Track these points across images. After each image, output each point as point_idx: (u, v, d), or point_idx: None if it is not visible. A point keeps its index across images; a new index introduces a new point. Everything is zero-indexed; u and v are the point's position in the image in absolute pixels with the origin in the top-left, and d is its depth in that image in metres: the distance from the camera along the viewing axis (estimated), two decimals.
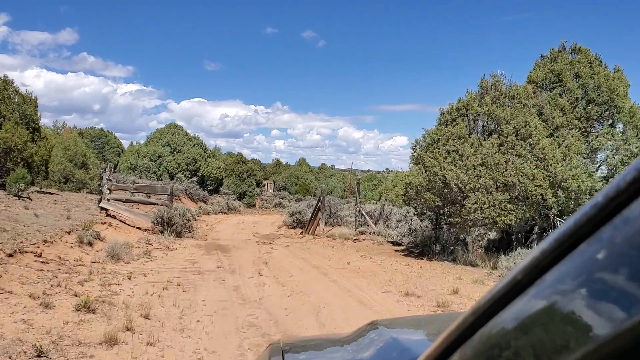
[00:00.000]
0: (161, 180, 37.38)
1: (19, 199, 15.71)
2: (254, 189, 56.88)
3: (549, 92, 14.44)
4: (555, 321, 0.48)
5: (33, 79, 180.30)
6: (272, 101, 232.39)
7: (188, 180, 38.28)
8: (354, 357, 1.67)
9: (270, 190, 77.75)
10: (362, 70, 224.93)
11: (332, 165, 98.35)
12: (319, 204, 18.96)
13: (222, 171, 43.68)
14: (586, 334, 0.44)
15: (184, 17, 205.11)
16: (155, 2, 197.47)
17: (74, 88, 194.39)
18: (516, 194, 11.79)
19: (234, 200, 42.15)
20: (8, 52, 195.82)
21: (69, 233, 11.72)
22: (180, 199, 33.99)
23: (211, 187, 42.49)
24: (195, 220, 24.39)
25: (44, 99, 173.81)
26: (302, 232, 19.87)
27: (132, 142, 48.37)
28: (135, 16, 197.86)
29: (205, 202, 38.55)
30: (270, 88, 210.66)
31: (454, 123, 12.38)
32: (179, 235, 17.27)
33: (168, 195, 17.72)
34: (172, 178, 39.04)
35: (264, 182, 78.70)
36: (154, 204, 17.89)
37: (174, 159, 40.54)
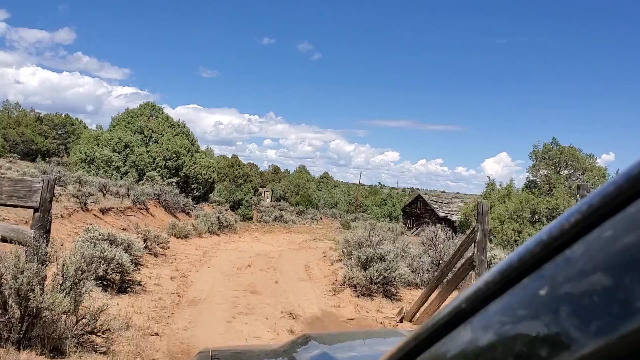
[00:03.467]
0: (124, 179, 24.91)
1: None
2: (251, 198, 44.53)
3: None
4: (495, 352, 0.48)
5: (28, 77, 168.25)
6: (266, 111, 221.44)
7: (164, 181, 25.82)
8: None
9: (268, 200, 65.10)
10: (356, 84, 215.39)
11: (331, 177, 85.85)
12: (473, 245, 6.73)
13: (213, 172, 31.25)
14: None
15: (181, 23, 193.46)
16: (154, 7, 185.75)
17: (68, 87, 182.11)
18: None
19: (227, 211, 29.80)
20: (5, 48, 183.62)
21: None
22: (147, 210, 21.61)
23: (198, 193, 30.09)
24: (156, 256, 12.07)
25: (37, 97, 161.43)
26: (407, 316, 7.60)
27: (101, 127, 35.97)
28: (134, 19, 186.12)
29: (187, 214, 26.17)
30: (265, 98, 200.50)
31: None
32: (61, 350, 5.01)
33: (38, 209, 5.37)
34: (141, 177, 26.56)
35: (261, 190, 65.99)
36: None
37: (148, 151, 28.12)
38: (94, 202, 16.50)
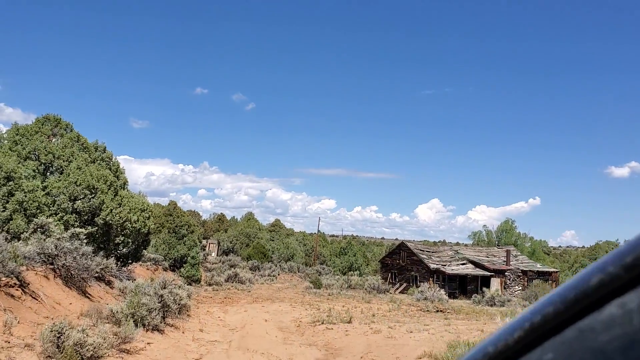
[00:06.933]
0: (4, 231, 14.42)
1: None
2: (197, 253, 34.02)
3: None
4: None
5: None
6: (200, 160, 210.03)
7: (68, 232, 15.44)
8: None
9: (214, 254, 54.02)
10: (291, 133, 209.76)
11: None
12: None
13: (148, 217, 20.98)
14: None
15: (110, 72, 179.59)
16: (80, 56, 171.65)
17: None
18: None
19: (175, 280, 19.64)
20: None
21: None
22: (25, 287, 11.38)
23: (125, 250, 19.71)
24: None
25: None
26: None
27: None
28: (60, 67, 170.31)
29: (108, 284, 15.95)
30: (199, 148, 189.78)
31: None
32: None
33: None
34: (28, 225, 16.08)
35: (204, 242, 54.92)
36: None
37: (45, 187, 17.72)
38: None
